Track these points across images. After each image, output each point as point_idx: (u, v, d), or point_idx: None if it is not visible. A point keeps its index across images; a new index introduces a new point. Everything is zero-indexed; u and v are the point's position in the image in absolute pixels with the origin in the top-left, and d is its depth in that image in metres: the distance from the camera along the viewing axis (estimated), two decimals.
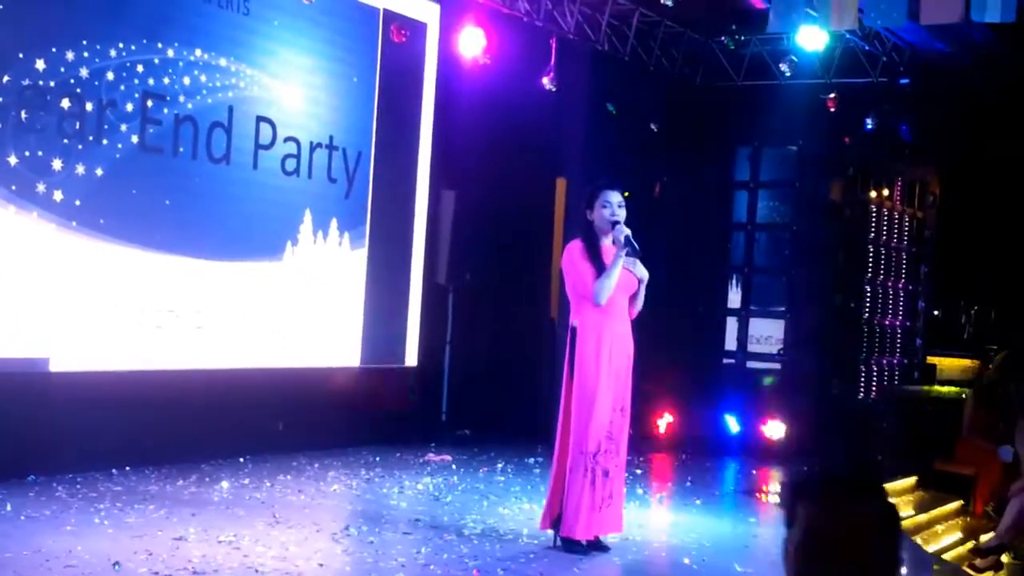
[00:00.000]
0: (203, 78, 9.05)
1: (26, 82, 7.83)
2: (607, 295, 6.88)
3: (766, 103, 12.64)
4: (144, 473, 8.39)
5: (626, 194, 7.16)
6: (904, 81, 12.25)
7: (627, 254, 6.90)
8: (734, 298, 13.32)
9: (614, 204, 6.98)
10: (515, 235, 11.77)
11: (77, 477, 7.99)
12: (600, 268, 6.90)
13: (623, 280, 6.95)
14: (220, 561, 6.16)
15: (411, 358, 10.98)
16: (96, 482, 7.96)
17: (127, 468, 8.42)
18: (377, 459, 9.79)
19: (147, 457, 8.58)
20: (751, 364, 13.10)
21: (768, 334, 13.06)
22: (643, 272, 7.04)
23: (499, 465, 9.91)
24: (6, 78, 7.72)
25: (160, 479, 8.27)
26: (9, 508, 7.04)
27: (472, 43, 10.60)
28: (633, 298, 7.06)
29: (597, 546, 7.00)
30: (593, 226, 7.03)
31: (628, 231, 6.91)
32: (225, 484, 8.32)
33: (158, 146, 8.76)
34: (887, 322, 14.38)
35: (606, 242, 7.00)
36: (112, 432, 8.29)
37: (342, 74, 10.29)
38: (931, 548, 8.62)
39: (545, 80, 11.11)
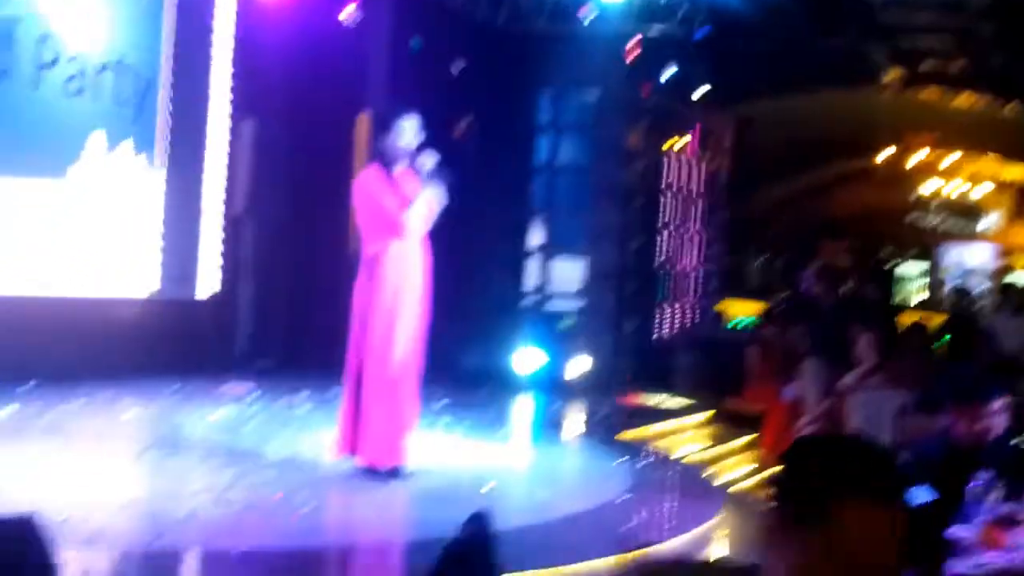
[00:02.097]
0: None
1: None
2: (415, 224, 6.81)
3: (568, 48, 12.75)
4: None
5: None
6: (701, 32, 12.51)
7: (433, 183, 6.82)
8: (535, 239, 13.46)
9: (410, 130, 6.88)
10: (316, 168, 11.56)
11: None
12: (399, 197, 6.80)
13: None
14: (7, 485, 5.85)
15: (210, 288, 10.69)
16: None
17: None
18: (174, 388, 9.49)
19: None
20: (551, 305, 13.28)
21: (568, 275, 13.27)
22: (441, 201, 6.95)
23: (299, 396, 9.76)
24: None
25: None
26: None
27: None
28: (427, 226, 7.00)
29: (396, 474, 6.96)
30: (388, 153, 6.91)
31: (433, 158, 6.83)
32: (11, 407, 7.90)
33: None
34: (681, 266, 14.80)
35: (399, 170, 6.89)
36: None
37: None
38: (724, 479, 8.93)
39: (344, 14, 10.91)
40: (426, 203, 6.83)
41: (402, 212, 6.77)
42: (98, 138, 9.58)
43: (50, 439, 7.11)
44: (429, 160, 6.83)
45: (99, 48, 9.56)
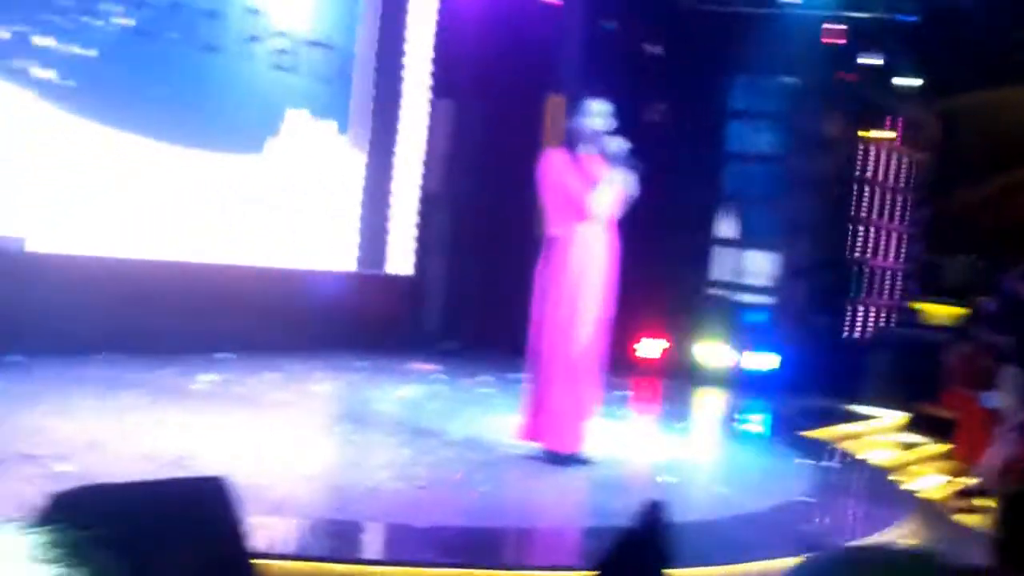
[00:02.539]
0: None
1: None
2: (601, 207, 6.77)
3: (765, 31, 12.46)
4: (128, 361, 8.27)
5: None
6: (910, 19, 12.08)
7: (620, 166, 6.76)
8: (725, 228, 13.25)
9: (599, 114, 6.83)
10: (510, 149, 11.62)
11: (57, 360, 7.86)
12: (585, 180, 6.77)
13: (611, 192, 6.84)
14: (203, 449, 6.09)
15: (404, 266, 10.91)
16: (76, 366, 7.85)
17: (110, 354, 8.30)
18: (363, 364, 9.72)
19: (128, 345, 8.44)
20: (738, 297, 13.06)
21: (757, 267, 13.02)
22: (630, 185, 6.89)
23: (485, 377, 9.86)
24: None
25: (142, 368, 8.16)
26: None
27: None
28: (615, 210, 6.95)
29: (577, 459, 6.96)
30: (575, 136, 6.88)
31: (623, 143, 6.77)
32: (209, 377, 8.24)
33: (150, 31, 8.58)
34: (876, 262, 14.35)
35: (589, 152, 6.85)
36: (92, 317, 8.15)
37: None
38: (914, 487, 8.64)
39: None
40: (612, 187, 6.78)
41: (587, 195, 6.74)
42: (297, 114, 9.86)
43: (243, 408, 7.37)
44: (617, 144, 6.77)
45: (304, 25, 9.83)
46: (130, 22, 8.41)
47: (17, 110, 7.72)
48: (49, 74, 7.88)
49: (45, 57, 7.86)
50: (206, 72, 9.08)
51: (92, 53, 8.15)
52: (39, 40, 7.82)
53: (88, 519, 2.70)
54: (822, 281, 12.90)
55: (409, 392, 8.86)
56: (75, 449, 5.67)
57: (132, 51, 8.45)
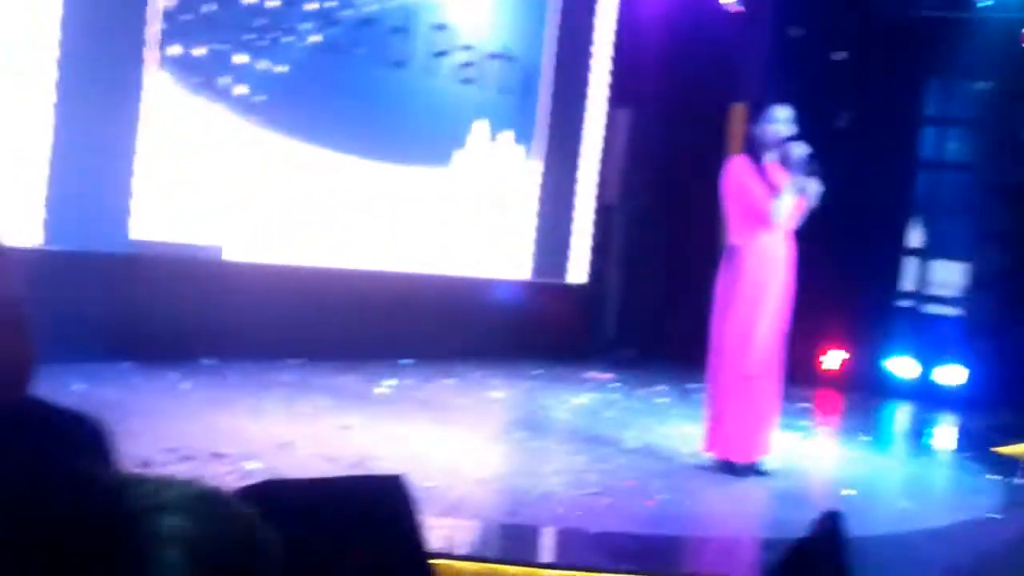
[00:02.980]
0: None
1: None
2: (784, 215, 6.68)
3: (959, 35, 12.07)
4: (313, 366, 8.57)
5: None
6: None
7: (803, 173, 6.66)
8: (914, 238, 12.87)
9: (783, 120, 6.74)
10: (690, 157, 11.57)
11: (248, 364, 8.20)
12: (769, 186, 6.69)
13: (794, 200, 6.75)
14: (383, 451, 6.27)
15: (578, 275, 10.97)
16: (266, 371, 8.17)
17: (296, 360, 8.62)
18: (539, 372, 9.82)
19: (316, 352, 8.75)
20: (927, 309, 12.67)
21: (947, 278, 12.61)
22: (814, 193, 6.77)
23: (661, 387, 9.83)
24: None
25: (327, 373, 8.44)
26: (186, 387, 7.31)
27: None
28: (797, 219, 6.85)
29: (755, 470, 6.88)
30: (758, 143, 6.80)
31: (807, 150, 6.66)
32: (390, 382, 8.45)
33: (338, 47, 8.87)
34: None
35: (771, 159, 6.77)
36: (282, 324, 8.49)
37: None
38: None
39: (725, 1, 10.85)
40: (795, 195, 6.68)
41: (769, 203, 6.66)
42: (482, 126, 10.03)
43: (422, 413, 7.54)
44: (801, 151, 6.66)
45: (488, 37, 10.01)
46: (319, 39, 8.71)
47: (212, 124, 8.09)
48: (242, 89, 8.23)
49: (239, 73, 8.21)
50: (393, 86, 9.33)
51: (283, 69, 8.47)
52: (234, 58, 8.17)
53: (269, 515, 2.82)
54: (1015, 292, 12.40)
55: (585, 400, 8.91)
56: (263, 449, 5.91)
57: (322, 67, 8.76)
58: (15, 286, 2.01)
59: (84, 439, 2.09)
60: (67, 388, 6.05)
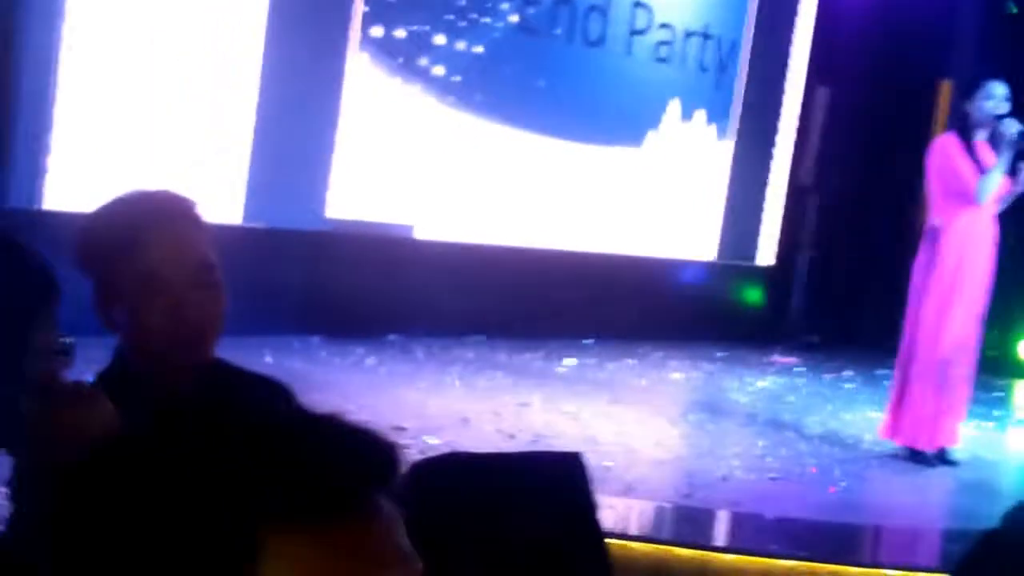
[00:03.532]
0: None
1: None
2: (990, 194, 6.45)
3: None
4: (494, 343, 8.69)
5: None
6: None
7: (1014, 151, 6.41)
8: None
9: (999, 97, 6.48)
10: (890, 139, 11.24)
11: (432, 340, 8.38)
12: (977, 165, 6.46)
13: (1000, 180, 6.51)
14: (561, 429, 6.35)
15: (767, 257, 10.85)
16: (450, 347, 8.32)
17: (479, 337, 8.76)
18: (721, 354, 9.74)
19: (497, 329, 8.86)
20: None
21: None
22: (1021, 180, 6.53)
23: (847, 373, 9.63)
24: None
25: (509, 350, 8.55)
26: (371, 362, 7.52)
27: None
28: (1003, 201, 6.61)
29: (943, 458, 6.70)
30: (969, 119, 6.57)
31: (1019, 126, 6.40)
32: (570, 361, 8.52)
33: (536, 27, 8.96)
34: None
35: (981, 138, 6.54)
36: (467, 301, 8.61)
37: None
38: None
39: None
40: (1003, 174, 6.44)
41: (973, 180, 6.43)
42: (675, 105, 9.98)
43: (602, 392, 7.58)
44: (1015, 128, 6.40)
45: (687, 15, 9.94)
46: (516, 18, 8.80)
47: (408, 105, 8.28)
48: (439, 70, 8.39)
49: (437, 54, 8.38)
50: (590, 66, 9.36)
51: (480, 49, 8.61)
52: (435, 38, 8.33)
53: (449, 487, 2.90)
54: None
55: (767, 384, 8.80)
56: (444, 425, 6.06)
57: (518, 46, 8.85)
58: (210, 255, 2.14)
59: (266, 400, 2.20)
60: (259, 360, 6.31)
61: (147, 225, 2.07)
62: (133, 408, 1.81)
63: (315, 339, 7.76)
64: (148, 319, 2.06)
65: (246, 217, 7.63)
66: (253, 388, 2.26)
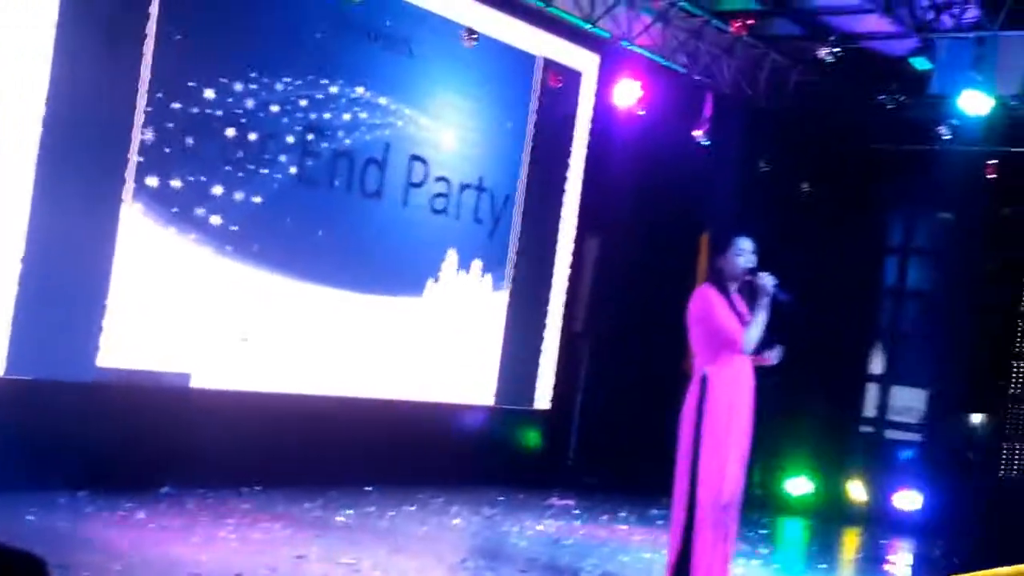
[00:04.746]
0: (363, 115, 9.36)
1: (195, 110, 8.22)
2: (754, 344, 6.78)
3: (922, 168, 12.40)
4: (272, 493, 8.61)
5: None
6: None
7: (777, 302, 6.77)
8: (876, 365, 13.05)
9: (747, 251, 6.89)
10: (656, 286, 11.75)
11: (208, 492, 8.25)
12: (737, 315, 6.81)
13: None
14: None
15: (543, 401, 11.08)
16: (226, 498, 8.21)
17: (256, 487, 8.66)
18: (501, 498, 9.87)
19: (276, 478, 8.80)
20: (889, 433, 12.79)
21: (909, 404, 12.75)
22: (776, 355, 6.90)
23: (622, 514, 9.89)
24: (176, 105, 8.12)
25: (287, 500, 8.49)
26: (141, 516, 7.33)
27: (628, 94, 10.64)
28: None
29: None
30: (723, 273, 6.94)
31: (772, 280, 6.79)
32: (350, 511, 8.50)
33: (315, 178, 9.09)
34: None
35: (734, 290, 6.91)
36: (245, 451, 8.55)
37: (497, 118, 10.52)
38: None
39: (698, 133, 11.14)
40: (761, 324, 6.79)
41: (738, 330, 6.75)
42: (453, 256, 10.22)
43: (383, 542, 7.57)
44: (769, 281, 6.77)
45: (463, 169, 10.25)
46: (295, 171, 8.91)
47: (183, 253, 8.24)
48: (216, 219, 8.41)
49: (215, 204, 8.40)
50: (368, 217, 9.52)
51: (258, 200, 8.67)
52: (212, 189, 8.36)
53: None
54: (977, 419, 12.54)
55: (545, 528, 8.95)
56: None
57: (297, 197, 8.95)
58: None
59: None
60: (20, 518, 6.10)
61: None
62: None
63: (82, 494, 7.53)
64: None
65: (8, 369, 7.41)
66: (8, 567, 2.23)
